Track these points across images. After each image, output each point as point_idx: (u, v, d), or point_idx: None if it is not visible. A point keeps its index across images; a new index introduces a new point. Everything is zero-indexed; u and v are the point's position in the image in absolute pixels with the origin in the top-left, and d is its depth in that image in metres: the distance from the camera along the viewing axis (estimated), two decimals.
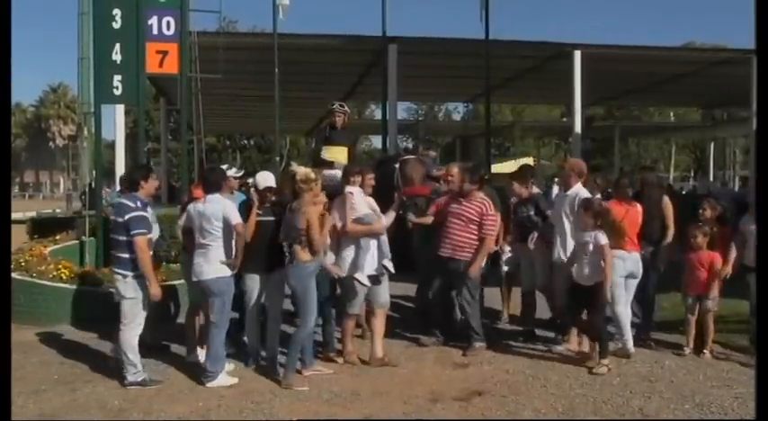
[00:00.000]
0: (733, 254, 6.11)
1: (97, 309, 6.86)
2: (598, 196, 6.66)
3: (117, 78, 8.58)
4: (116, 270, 5.37)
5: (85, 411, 4.84)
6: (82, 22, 9.15)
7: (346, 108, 7.99)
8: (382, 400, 5.03)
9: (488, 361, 6.04)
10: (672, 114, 45.41)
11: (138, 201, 5.41)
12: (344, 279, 5.90)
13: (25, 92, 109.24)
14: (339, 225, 5.81)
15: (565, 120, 34.13)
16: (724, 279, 6.16)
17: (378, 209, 6.04)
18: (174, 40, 8.78)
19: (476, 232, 6.20)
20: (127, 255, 5.28)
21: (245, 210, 5.78)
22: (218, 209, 5.44)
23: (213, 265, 5.43)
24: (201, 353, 5.79)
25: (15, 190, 61.66)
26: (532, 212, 6.74)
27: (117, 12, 8.53)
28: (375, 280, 5.91)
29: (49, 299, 7.43)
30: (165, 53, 8.78)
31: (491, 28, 14.29)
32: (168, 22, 8.73)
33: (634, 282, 6.22)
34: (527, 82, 20.42)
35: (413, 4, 79.69)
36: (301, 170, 5.51)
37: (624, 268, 6.03)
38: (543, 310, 6.97)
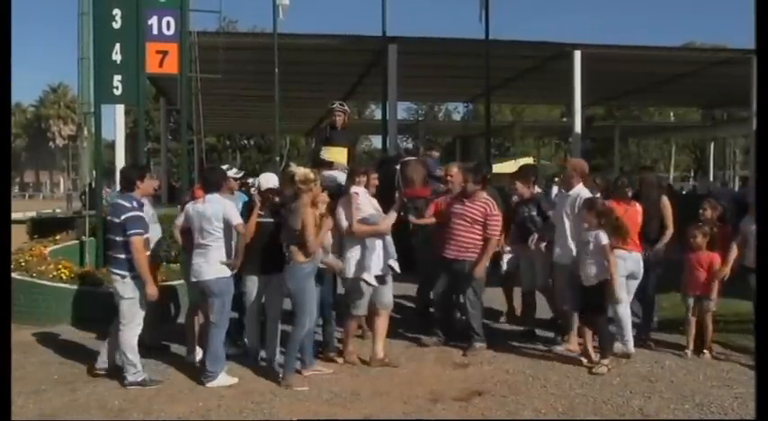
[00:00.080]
0: (733, 254, 6.11)
1: (97, 309, 6.85)
2: (598, 195, 6.66)
3: (117, 78, 8.58)
4: (114, 270, 5.37)
5: (85, 411, 4.84)
6: (82, 22, 9.16)
7: (346, 107, 7.98)
8: (382, 400, 5.03)
9: (488, 361, 6.04)
10: (672, 114, 45.41)
11: (134, 201, 5.40)
12: (350, 279, 5.88)
13: (25, 92, 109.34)
14: (345, 225, 5.80)
15: (565, 120, 34.13)
16: (723, 279, 6.17)
17: (380, 209, 6.04)
18: (174, 40, 8.78)
19: (480, 233, 6.19)
20: (123, 256, 5.28)
21: (246, 210, 5.78)
22: (219, 209, 5.44)
23: (213, 266, 5.43)
24: (199, 353, 5.79)
25: (15, 190, 61.66)
26: (534, 212, 6.74)
27: (117, 12, 8.53)
28: (381, 280, 5.89)
29: (49, 299, 7.43)
30: (165, 53, 8.78)
31: (491, 28, 14.30)
32: (168, 22, 8.73)
33: (635, 283, 6.23)
34: (527, 82, 20.42)
35: (413, 4, 79.72)
36: (300, 171, 5.50)
37: (625, 268, 6.03)
38: (543, 310, 6.98)
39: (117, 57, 8.55)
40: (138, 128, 10.27)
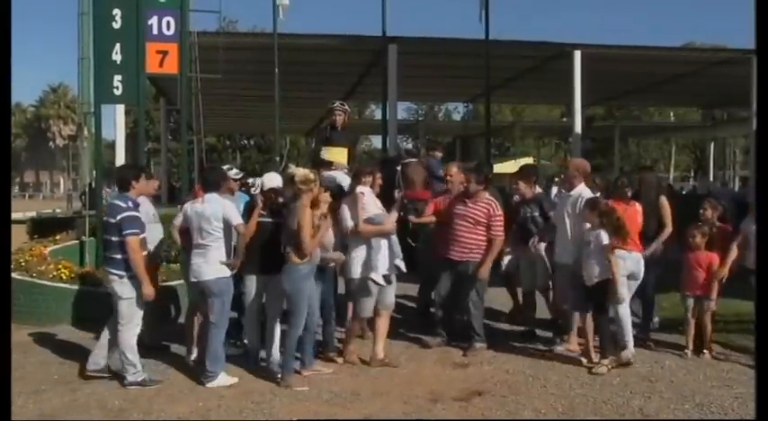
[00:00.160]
0: (732, 255, 6.10)
1: (97, 309, 6.82)
2: (598, 195, 6.66)
3: (117, 78, 8.57)
4: (111, 271, 5.36)
5: (85, 411, 4.84)
6: (82, 22, 9.15)
7: (347, 107, 7.98)
8: (382, 400, 5.03)
9: (488, 361, 6.04)
10: (672, 114, 45.40)
11: (130, 202, 5.40)
12: (357, 280, 5.86)
13: (25, 92, 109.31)
14: (350, 225, 5.79)
15: (565, 120, 34.12)
16: (722, 280, 6.16)
17: (384, 209, 6.03)
18: (174, 40, 8.77)
19: (483, 233, 6.18)
20: (120, 256, 5.28)
21: (247, 210, 5.78)
22: (218, 209, 5.44)
23: (213, 266, 5.42)
24: (194, 353, 5.80)
25: (15, 190, 61.64)
26: (537, 213, 6.70)
27: (117, 12, 8.52)
28: (386, 280, 5.88)
29: (49, 299, 7.43)
30: (165, 53, 8.77)
31: (491, 28, 14.30)
32: (168, 22, 8.72)
33: (635, 283, 6.22)
34: (527, 82, 20.40)
35: (413, 4, 79.70)
36: (300, 171, 5.50)
37: (625, 268, 6.03)
38: (543, 310, 6.97)
39: (117, 57, 8.55)
40: (139, 128, 10.27)
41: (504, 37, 16.52)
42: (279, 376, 5.43)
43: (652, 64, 17.83)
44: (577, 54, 16.13)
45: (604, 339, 5.83)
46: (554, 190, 8.67)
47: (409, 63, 15.92)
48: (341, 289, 6.32)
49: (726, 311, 6.82)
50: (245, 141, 53.79)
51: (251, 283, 5.79)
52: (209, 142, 37.96)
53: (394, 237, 5.96)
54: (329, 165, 7.37)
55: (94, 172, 10.30)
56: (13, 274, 7.19)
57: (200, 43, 9.71)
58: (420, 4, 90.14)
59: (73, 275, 7.73)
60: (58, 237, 9.63)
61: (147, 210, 6.11)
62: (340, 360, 5.96)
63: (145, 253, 5.41)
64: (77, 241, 9.27)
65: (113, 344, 5.45)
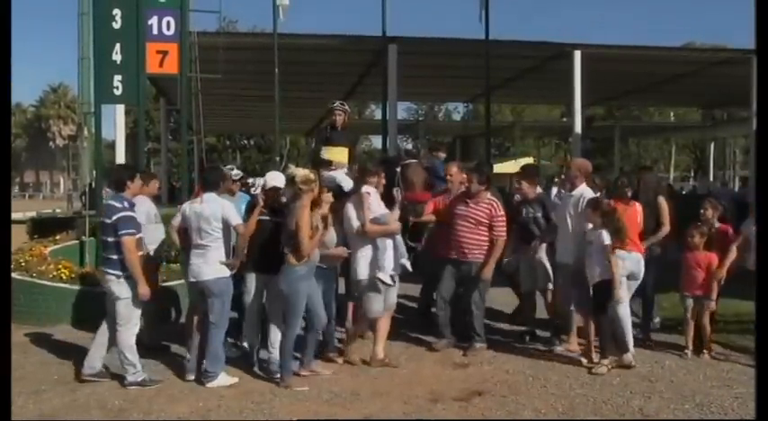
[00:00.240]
0: (731, 256, 6.10)
1: (97, 310, 6.78)
2: (598, 195, 6.65)
3: (117, 78, 8.59)
4: (108, 271, 5.35)
5: (85, 411, 4.84)
6: (82, 22, 9.17)
7: (347, 107, 7.97)
8: (382, 400, 5.03)
9: (488, 361, 6.04)
10: (672, 114, 45.40)
11: (125, 202, 5.40)
12: (364, 280, 5.84)
13: (25, 92, 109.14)
14: (356, 225, 5.78)
15: (565, 120, 34.12)
16: (720, 281, 6.16)
17: (387, 210, 6.03)
18: (174, 40, 8.78)
19: (485, 234, 6.18)
20: (116, 256, 5.27)
21: (248, 210, 5.77)
22: (217, 209, 5.43)
23: (212, 266, 5.42)
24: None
25: (15, 190, 61.64)
26: (540, 213, 6.65)
27: (117, 12, 8.54)
28: (392, 279, 5.87)
29: (49, 299, 7.43)
30: (165, 53, 8.79)
31: (491, 28, 14.30)
32: (168, 22, 8.74)
33: (635, 283, 6.21)
34: (527, 82, 20.40)
35: (413, 4, 79.64)
36: (300, 172, 5.50)
37: (624, 268, 6.03)
38: (543, 310, 6.97)
39: (117, 57, 8.56)
40: (139, 128, 10.29)
41: (505, 37, 16.43)
42: (279, 376, 5.43)
43: (652, 64, 17.84)
44: (577, 54, 16.12)
45: (604, 339, 5.83)
46: (554, 190, 8.65)
47: (409, 63, 15.92)
48: (341, 289, 6.32)
49: (726, 311, 6.82)
50: (245, 141, 53.79)
51: (251, 282, 5.78)
52: (209, 142, 37.96)
53: (399, 237, 5.96)
54: (329, 164, 7.36)
55: (94, 172, 10.31)
56: (13, 274, 7.19)
57: (200, 43, 9.72)
58: (420, 4, 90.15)
59: (73, 275, 7.73)
60: (58, 237, 9.63)
61: (148, 210, 6.12)
62: (340, 360, 5.96)
63: (141, 253, 5.41)
64: (77, 241, 9.27)
65: (112, 344, 5.45)
